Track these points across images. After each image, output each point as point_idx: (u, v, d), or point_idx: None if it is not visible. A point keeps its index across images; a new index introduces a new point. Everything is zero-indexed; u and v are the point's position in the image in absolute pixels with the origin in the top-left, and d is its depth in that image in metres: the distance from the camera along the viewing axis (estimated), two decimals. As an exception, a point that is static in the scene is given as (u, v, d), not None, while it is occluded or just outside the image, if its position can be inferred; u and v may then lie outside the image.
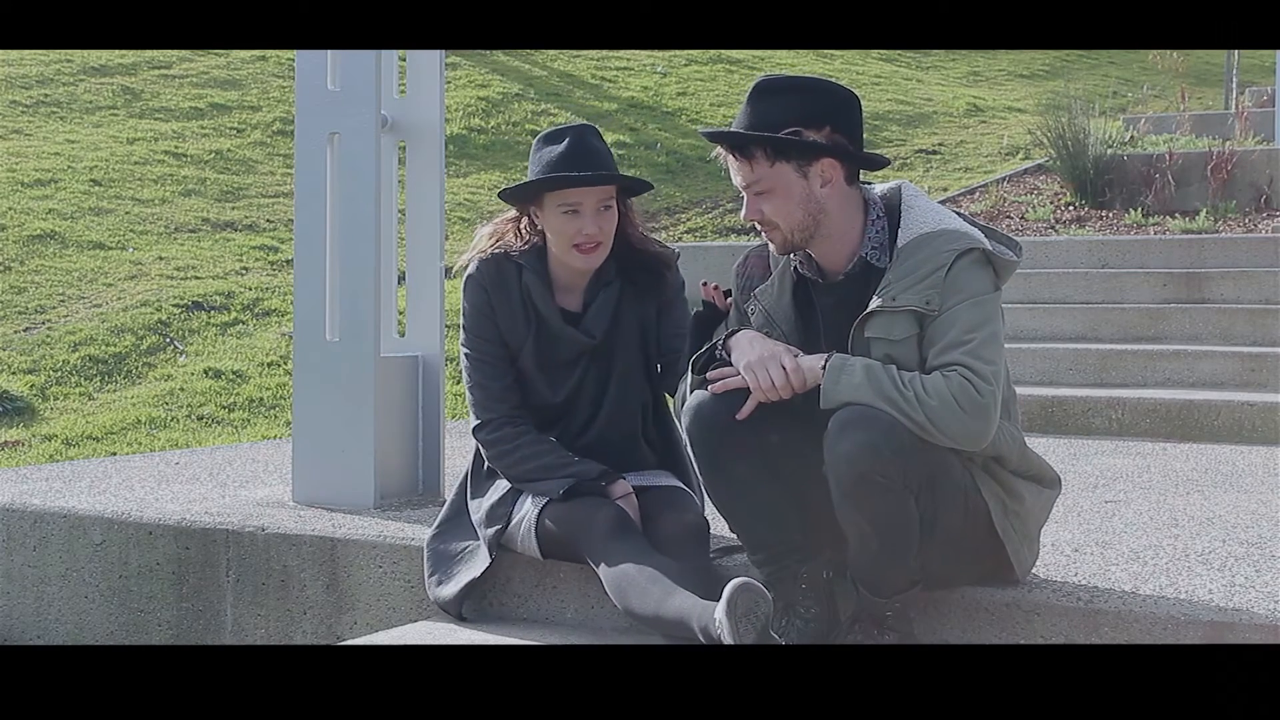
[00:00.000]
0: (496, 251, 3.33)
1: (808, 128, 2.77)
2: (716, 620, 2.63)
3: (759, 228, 2.86)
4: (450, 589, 3.26)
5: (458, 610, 3.26)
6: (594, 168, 3.18)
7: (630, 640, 3.03)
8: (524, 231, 3.33)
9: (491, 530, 3.26)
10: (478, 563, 3.26)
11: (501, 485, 3.32)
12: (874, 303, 2.75)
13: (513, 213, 3.36)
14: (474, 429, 3.33)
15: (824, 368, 2.70)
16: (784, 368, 2.72)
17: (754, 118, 2.79)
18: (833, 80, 2.91)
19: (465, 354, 3.35)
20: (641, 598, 2.91)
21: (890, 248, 2.83)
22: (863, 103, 2.93)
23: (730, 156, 2.83)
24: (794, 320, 2.90)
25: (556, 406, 3.34)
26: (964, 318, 2.70)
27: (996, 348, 2.72)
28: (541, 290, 3.30)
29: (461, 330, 3.36)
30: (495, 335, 3.32)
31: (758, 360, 2.75)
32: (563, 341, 3.31)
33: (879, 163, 2.90)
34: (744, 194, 2.84)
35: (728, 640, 2.59)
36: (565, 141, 3.21)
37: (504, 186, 3.35)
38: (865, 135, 2.95)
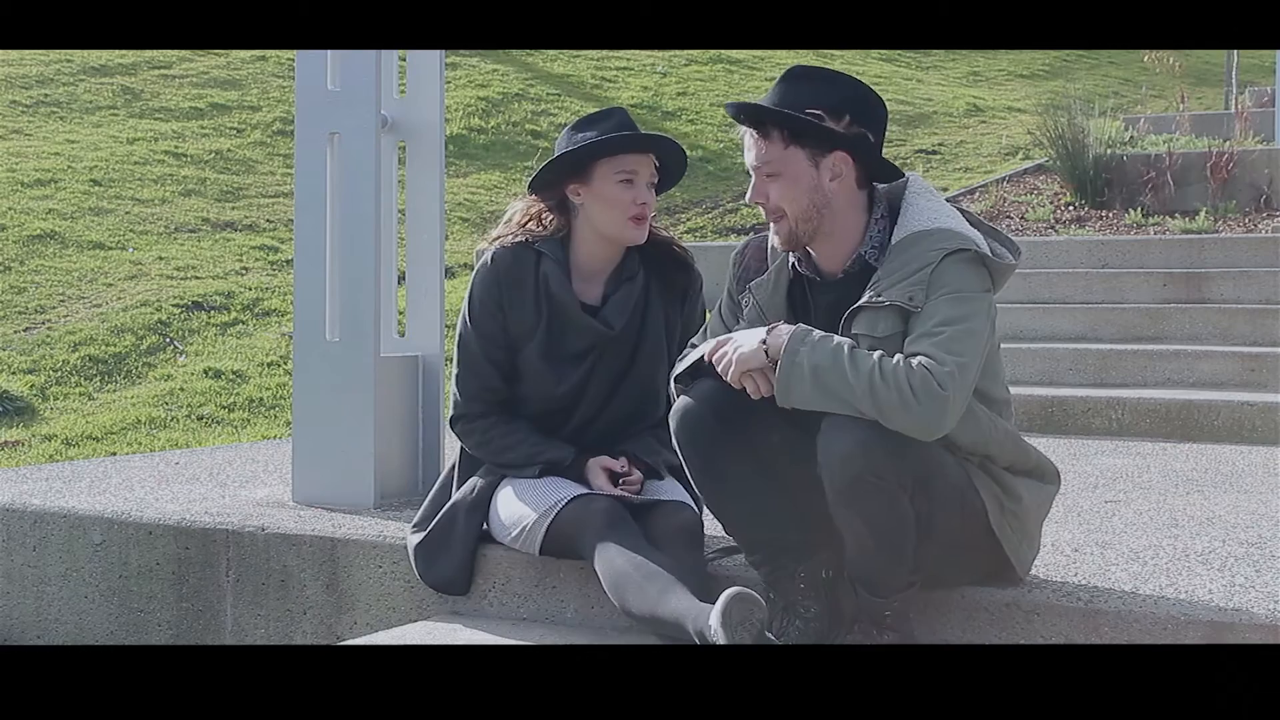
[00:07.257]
0: (518, 240, 3.28)
1: (830, 116, 2.77)
2: (711, 628, 2.63)
3: (766, 215, 2.85)
4: (449, 565, 3.28)
5: (464, 583, 3.28)
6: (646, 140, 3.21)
7: (630, 640, 3.03)
8: (551, 219, 3.28)
9: (478, 512, 3.29)
10: (469, 538, 3.29)
11: (483, 470, 3.34)
12: (863, 298, 2.74)
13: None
14: (450, 419, 3.36)
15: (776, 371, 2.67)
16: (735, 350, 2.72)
17: (778, 98, 2.79)
18: (866, 84, 2.88)
19: (460, 341, 3.33)
20: (639, 595, 2.90)
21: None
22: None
23: (748, 133, 2.82)
24: (787, 317, 2.88)
25: (557, 399, 3.28)
26: (942, 311, 2.66)
27: (971, 344, 2.65)
28: (560, 278, 3.25)
29: (464, 316, 3.32)
30: (495, 332, 3.28)
31: (716, 344, 2.79)
32: (575, 330, 3.26)
33: (892, 172, 2.88)
34: (753, 175, 2.83)
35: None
36: (613, 118, 3.23)
37: (543, 165, 3.25)
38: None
